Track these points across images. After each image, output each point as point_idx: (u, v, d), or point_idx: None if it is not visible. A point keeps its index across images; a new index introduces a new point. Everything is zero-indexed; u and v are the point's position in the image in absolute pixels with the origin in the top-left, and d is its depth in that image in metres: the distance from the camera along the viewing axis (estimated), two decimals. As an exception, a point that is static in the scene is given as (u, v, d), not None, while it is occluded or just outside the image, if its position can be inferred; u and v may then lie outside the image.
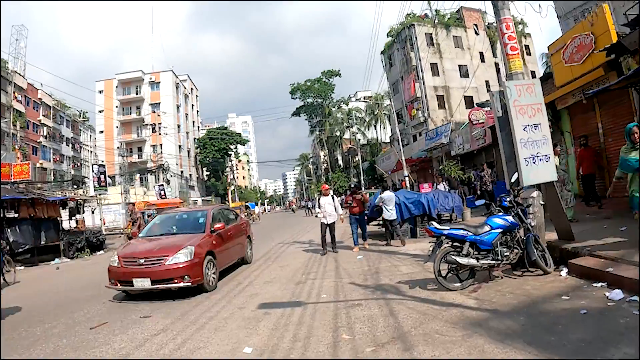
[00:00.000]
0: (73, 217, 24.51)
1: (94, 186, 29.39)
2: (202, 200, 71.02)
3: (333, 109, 72.76)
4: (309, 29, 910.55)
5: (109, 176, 57.96)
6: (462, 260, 6.75)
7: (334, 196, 13.22)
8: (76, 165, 66.19)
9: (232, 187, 79.93)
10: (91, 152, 73.81)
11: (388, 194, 13.61)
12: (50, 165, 57.55)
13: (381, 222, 16.30)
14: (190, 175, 77.68)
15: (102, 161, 58.88)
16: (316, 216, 13.26)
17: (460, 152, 27.71)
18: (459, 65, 44.02)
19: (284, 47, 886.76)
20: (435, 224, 7.14)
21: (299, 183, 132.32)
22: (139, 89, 70.64)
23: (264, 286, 8.90)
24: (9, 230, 18.58)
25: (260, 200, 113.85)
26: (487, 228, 7.06)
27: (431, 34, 43.89)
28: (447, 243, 6.99)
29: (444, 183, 20.13)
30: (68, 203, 24.30)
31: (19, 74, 51.43)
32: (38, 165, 53.93)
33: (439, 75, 43.00)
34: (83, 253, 21.51)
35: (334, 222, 12.91)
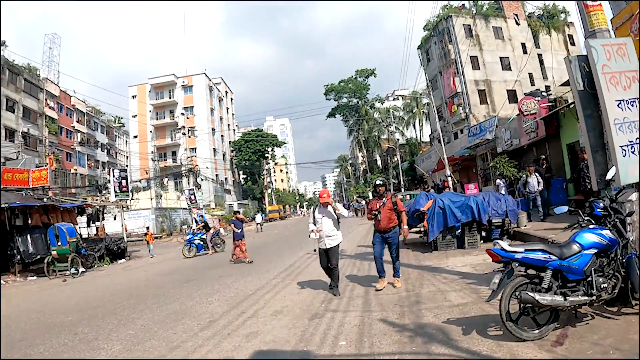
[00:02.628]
0: (93, 224, 23.20)
1: (115, 192, 28.19)
2: (239, 204, 69.98)
3: (370, 109, 70.54)
4: (342, 31, 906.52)
5: (140, 181, 57.66)
6: (543, 298, 4.55)
7: (339, 205, 8.87)
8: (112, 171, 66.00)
9: (269, 190, 78.69)
10: (127, 157, 73.63)
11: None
12: (85, 171, 57.47)
13: (422, 230, 14.24)
14: (226, 178, 76.73)
15: (125, 166, 58.57)
16: (309, 236, 8.62)
17: (507, 149, 25.15)
18: (501, 58, 41.16)
19: (318, 50, 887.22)
20: (502, 244, 4.92)
21: (338, 185, 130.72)
22: (172, 93, 70.11)
23: (270, 320, 6.90)
24: (19, 240, 17.69)
25: (299, 203, 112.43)
26: (575, 248, 4.83)
27: (469, 25, 41.18)
28: (519, 270, 4.88)
29: (536, 175, 15.46)
30: (86, 210, 23.07)
31: (51, 81, 51.35)
32: (72, 171, 53.93)
33: (479, 69, 40.28)
34: (102, 262, 20.21)
35: (336, 247, 8.44)
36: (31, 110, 46.14)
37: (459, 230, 12.41)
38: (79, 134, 57.02)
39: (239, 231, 16.01)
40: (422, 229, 14.17)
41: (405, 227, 8.53)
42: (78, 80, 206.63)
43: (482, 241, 12.49)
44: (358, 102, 71.29)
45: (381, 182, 8.90)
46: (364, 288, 8.58)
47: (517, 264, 4.84)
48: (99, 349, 6.32)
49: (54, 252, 17.11)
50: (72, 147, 54.92)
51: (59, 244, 17.15)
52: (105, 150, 66.53)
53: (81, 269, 17.50)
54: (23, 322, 8.92)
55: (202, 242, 20.87)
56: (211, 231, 21.04)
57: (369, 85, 71.16)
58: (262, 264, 14.37)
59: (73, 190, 47.55)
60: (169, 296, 10.25)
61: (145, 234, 24.90)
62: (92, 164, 60.03)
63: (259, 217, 44.99)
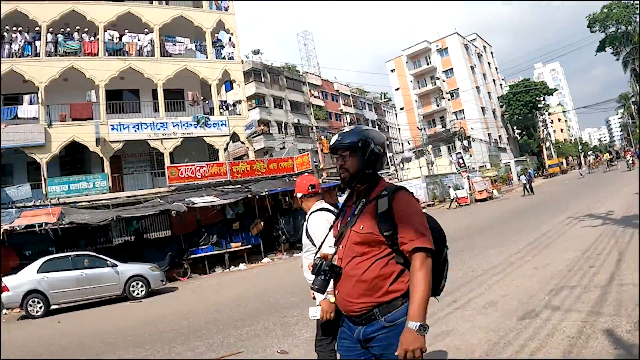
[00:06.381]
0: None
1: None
2: (515, 161, 65.93)
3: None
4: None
5: (412, 150, 58.89)
6: None
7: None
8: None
9: (547, 144, 72.06)
10: (399, 129, 75.96)
11: None
12: (358, 149, 61.42)
13: None
14: (499, 136, 72.98)
15: (394, 139, 60.85)
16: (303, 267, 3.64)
17: None
18: None
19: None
20: None
21: (624, 127, 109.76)
22: (428, 59, 69.51)
23: (476, 315, 5.80)
24: (282, 221, 20.22)
25: (582, 153, 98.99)
26: None
27: None
28: None
29: None
30: (346, 187, 24.29)
31: (311, 73, 56.21)
32: (345, 150, 58.52)
33: None
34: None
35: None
36: (298, 103, 51.45)
37: None
38: (347, 115, 61.10)
39: None
40: None
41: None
42: (339, 70, 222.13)
43: None
44: (627, 28, 57.75)
45: (349, 142, 2.37)
46: (610, 269, 6.63)
47: None
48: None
49: None
50: (342, 128, 59.39)
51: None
52: (376, 126, 69.88)
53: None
54: (250, 304, 9.65)
55: None
56: None
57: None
58: (511, 233, 12.85)
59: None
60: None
61: None
62: (365, 141, 63.73)
63: (522, 178, 35.87)
